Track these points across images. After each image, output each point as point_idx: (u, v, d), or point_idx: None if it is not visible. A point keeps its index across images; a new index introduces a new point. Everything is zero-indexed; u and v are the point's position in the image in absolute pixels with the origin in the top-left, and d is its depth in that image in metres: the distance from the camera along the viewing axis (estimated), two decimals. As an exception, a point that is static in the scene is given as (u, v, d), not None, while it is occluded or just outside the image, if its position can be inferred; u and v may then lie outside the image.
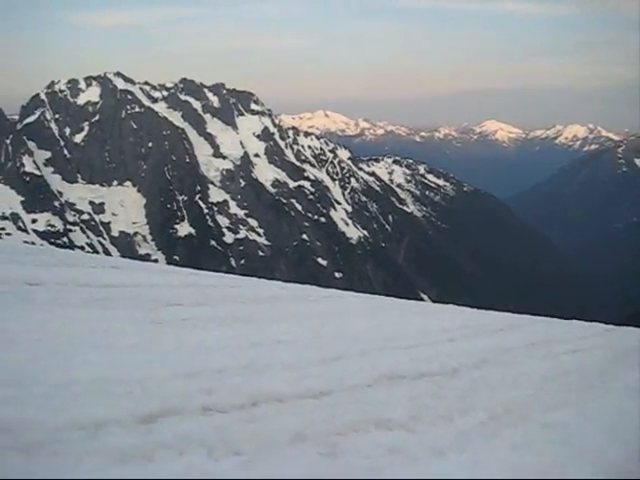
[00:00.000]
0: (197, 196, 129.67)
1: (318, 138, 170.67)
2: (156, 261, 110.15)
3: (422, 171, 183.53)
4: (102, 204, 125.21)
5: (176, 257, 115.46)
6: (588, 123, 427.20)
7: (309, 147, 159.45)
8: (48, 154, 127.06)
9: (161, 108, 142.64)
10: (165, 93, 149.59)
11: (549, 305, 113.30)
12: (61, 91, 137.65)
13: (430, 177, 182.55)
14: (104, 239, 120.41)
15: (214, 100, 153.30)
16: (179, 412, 3.94)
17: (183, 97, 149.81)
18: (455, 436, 4.30)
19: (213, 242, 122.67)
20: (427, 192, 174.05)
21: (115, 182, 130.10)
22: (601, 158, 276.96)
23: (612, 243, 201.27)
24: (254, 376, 4.91)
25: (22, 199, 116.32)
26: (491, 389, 5.58)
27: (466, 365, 6.30)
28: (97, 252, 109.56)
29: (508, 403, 5.22)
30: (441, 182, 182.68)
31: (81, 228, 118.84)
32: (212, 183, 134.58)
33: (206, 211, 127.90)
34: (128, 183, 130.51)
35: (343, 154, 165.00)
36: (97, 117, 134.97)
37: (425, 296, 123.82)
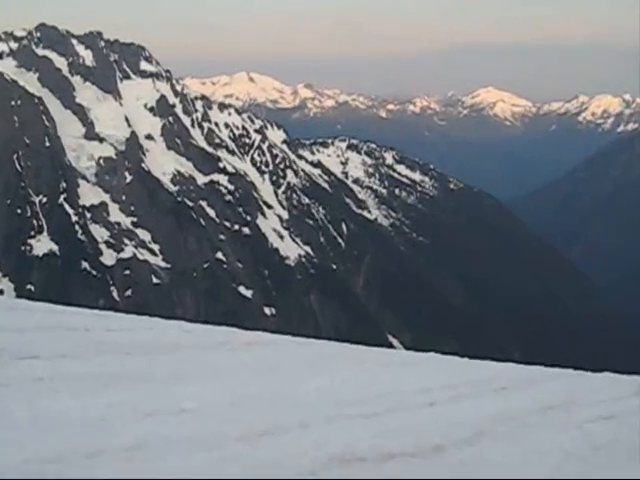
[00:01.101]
0: (61, 197, 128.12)
1: (239, 112, 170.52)
2: (0, 292, 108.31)
3: (390, 160, 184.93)
4: None
5: (30, 286, 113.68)
6: (624, 93, 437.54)
7: (226, 125, 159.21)
8: None
9: (8, 67, 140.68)
10: (14, 45, 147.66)
11: (570, 353, 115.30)
12: None
13: (401, 169, 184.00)
14: None
15: (86, 56, 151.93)
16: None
17: (41, 51, 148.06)
18: None
19: (85, 264, 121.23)
20: (397, 190, 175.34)
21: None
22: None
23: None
24: (143, 462, 4.85)
25: None
26: (489, 473, 5.61)
27: (454, 440, 6.33)
28: None
29: (514, 494, 5.26)
30: (417, 176, 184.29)
31: None
32: (84, 178, 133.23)
33: (75, 218, 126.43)
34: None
35: (276, 135, 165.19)
36: None
37: (395, 341, 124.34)
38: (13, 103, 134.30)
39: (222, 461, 5.05)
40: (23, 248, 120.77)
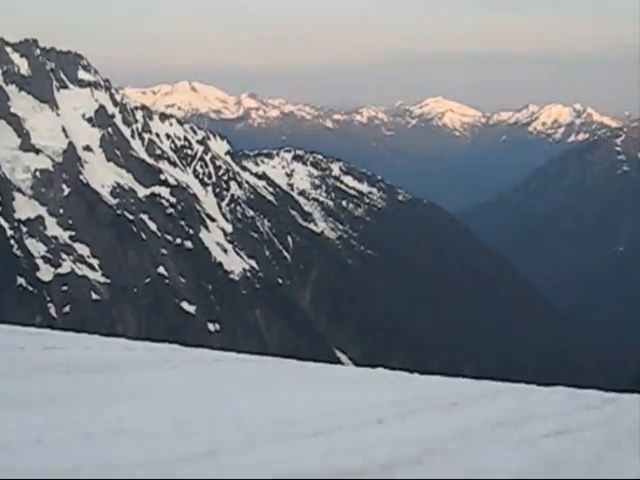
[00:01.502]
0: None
1: (181, 123, 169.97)
2: None
3: (336, 172, 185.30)
4: None
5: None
6: (574, 103, 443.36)
7: (167, 136, 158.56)
8: None
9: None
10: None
11: (525, 367, 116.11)
12: None
13: (348, 180, 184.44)
14: None
15: (22, 64, 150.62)
16: None
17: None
18: None
19: (21, 279, 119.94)
20: (344, 202, 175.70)
21: None
22: (593, 153, 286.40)
23: (611, 274, 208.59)
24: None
25: None
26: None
27: (402, 458, 6.32)
28: None
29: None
30: (365, 188, 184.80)
31: None
32: (19, 190, 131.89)
33: (10, 233, 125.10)
34: None
35: (219, 146, 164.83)
36: None
37: (343, 356, 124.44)
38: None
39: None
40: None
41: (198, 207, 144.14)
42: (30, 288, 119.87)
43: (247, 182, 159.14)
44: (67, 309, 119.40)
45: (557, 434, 8.29)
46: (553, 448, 7.54)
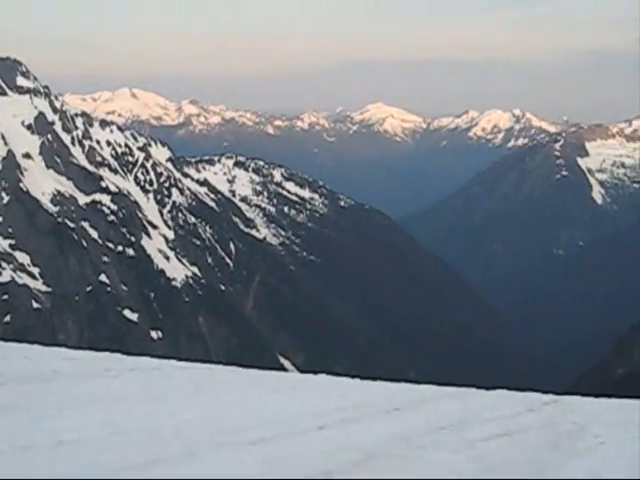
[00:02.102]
0: None
1: (122, 130, 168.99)
2: None
3: (278, 178, 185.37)
4: None
5: None
6: (513, 108, 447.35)
7: (108, 143, 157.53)
8: None
9: None
10: None
11: (467, 371, 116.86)
12: None
13: (290, 186, 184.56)
14: None
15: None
16: None
17: None
18: None
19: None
20: (286, 208, 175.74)
21: None
22: (532, 158, 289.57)
23: (552, 277, 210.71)
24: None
25: None
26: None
27: (344, 465, 6.32)
28: None
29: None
30: (307, 194, 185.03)
31: None
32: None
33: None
34: None
35: (160, 153, 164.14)
36: None
37: (287, 362, 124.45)
38: None
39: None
40: None
41: (140, 214, 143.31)
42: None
43: (189, 189, 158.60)
44: (7, 318, 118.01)
45: (497, 437, 8.35)
46: (493, 451, 7.60)
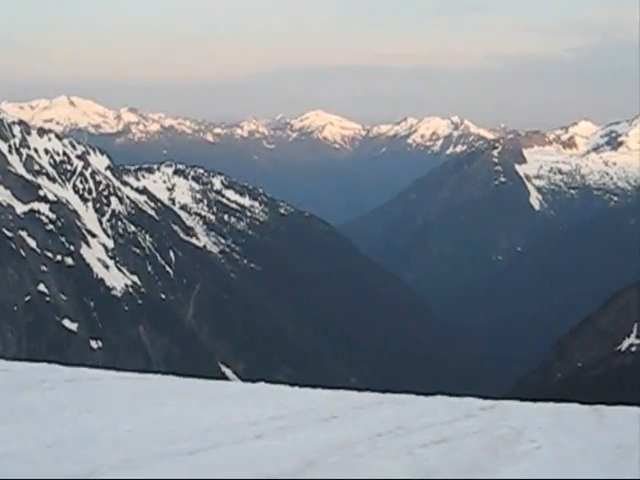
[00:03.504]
0: None
1: (60, 138, 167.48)
2: None
3: (218, 185, 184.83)
4: None
5: None
6: (452, 115, 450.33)
7: (46, 151, 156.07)
8: None
9: None
10: None
11: (407, 376, 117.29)
12: None
13: (230, 194, 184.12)
14: None
15: None
16: None
17: None
18: None
19: None
20: (226, 216, 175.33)
21: None
22: (470, 164, 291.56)
23: (490, 282, 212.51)
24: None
25: None
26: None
27: (281, 473, 6.32)
28: None
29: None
30: (247, 201, 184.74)
31: None
32: None
33: None
34: None
35: (99, 161, 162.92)
36: None
37: (228, 370, 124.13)
38: None
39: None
40: None
41: (78, 223, 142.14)
42: None
43: (128, 197, 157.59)
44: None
45: (435, 443, 8.39)
46: (431, 457, 7.64)
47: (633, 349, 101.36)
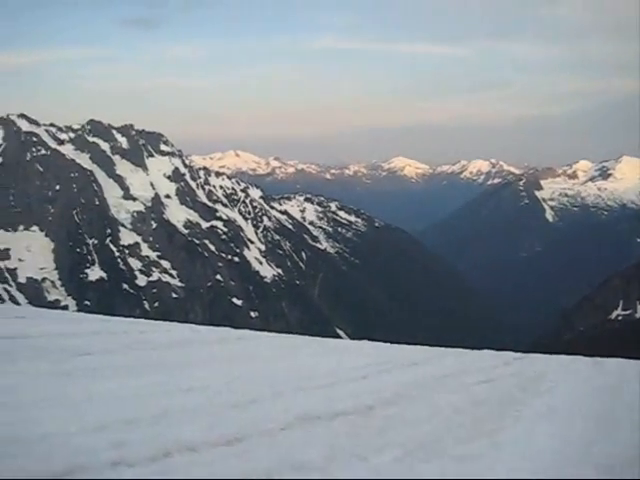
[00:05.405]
0: (108, 239, 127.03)
1: (229, 178, 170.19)
2: (66, 307, 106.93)
3: (334, 208, 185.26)
4: (7, 250, 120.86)
5: (87, 302, 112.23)
6: (491, 158, 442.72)
7: (221, 187, 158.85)
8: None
9: (68, 150, 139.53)
10: (72, 135, 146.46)
11: (462, 336, 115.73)
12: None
13: (342, 214, 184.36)
14: (10, 286, 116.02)
15: (123, 141, 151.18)
16: (85, 469, 3.78)
17: (91, 139, 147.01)
18: (370, 475, 4.29)
19: (125, 285, 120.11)
20: (339, 228, 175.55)
21: (21, 227, 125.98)
22: (504, 191, 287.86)
23: (518, 271, 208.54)
24: (166, 426, 4.78)
25: None
26: (405, 425, 5.60)
27: (380, 402, 6.31)
28: (2, 300, 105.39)
29: (422, 438, 5.24)
30: (352, 218, 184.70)
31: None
32: (123, 225, 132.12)
33: (117, 254, 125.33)
34: (35, 228, 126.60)
35: (255, 193, 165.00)
36: (0, 160, 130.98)
37: (341, 332, 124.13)
38: (72, 175, 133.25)
39: (219, 424, 4.98)
40: (81, 276, 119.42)
41: (242, 234, 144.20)
42: (131, 291, 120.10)
43: (274, 216, 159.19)
44: (156, 305, 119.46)
45: (483, 382, 8.29)
46: (480, 392, 7.55)
47: (620, 318, 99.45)
